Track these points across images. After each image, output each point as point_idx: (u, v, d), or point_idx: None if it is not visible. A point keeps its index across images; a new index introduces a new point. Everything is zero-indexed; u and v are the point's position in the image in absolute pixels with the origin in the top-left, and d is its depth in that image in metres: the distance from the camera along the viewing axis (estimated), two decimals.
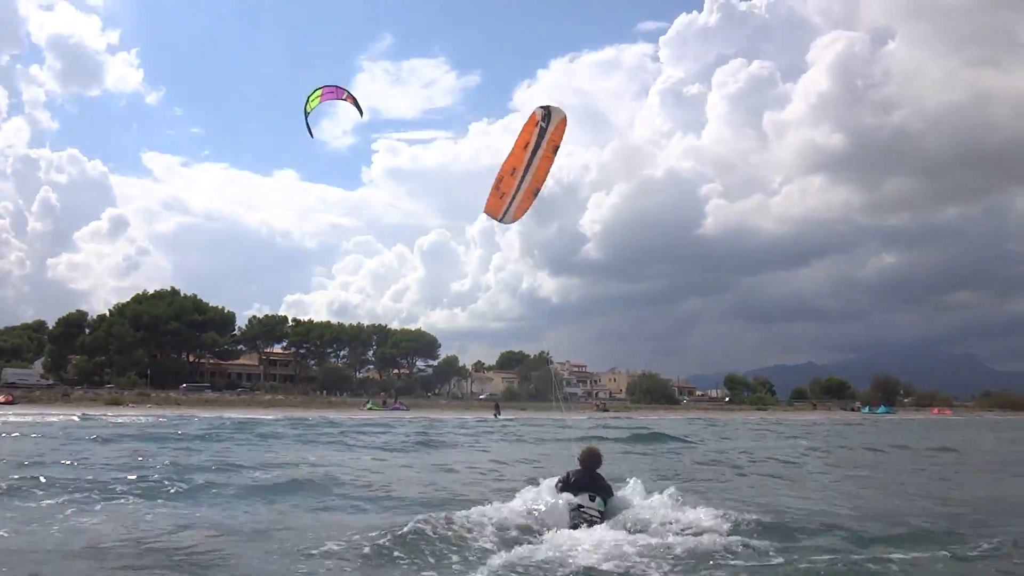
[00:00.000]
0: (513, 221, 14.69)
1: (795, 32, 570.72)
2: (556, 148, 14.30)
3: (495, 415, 71.09)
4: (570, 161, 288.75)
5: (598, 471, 11.29)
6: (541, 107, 14.67)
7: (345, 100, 19.02)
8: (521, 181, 14.23)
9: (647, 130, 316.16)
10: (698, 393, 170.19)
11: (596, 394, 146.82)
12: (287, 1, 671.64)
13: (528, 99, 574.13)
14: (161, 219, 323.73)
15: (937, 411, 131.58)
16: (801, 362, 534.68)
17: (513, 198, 14.35)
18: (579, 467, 11.30)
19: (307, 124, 18.48)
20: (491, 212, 14.66)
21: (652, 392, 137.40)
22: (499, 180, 14.50)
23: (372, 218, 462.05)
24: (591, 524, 10.38)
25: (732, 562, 8.90)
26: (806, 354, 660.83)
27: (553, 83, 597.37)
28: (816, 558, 9.10)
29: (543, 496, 11.24)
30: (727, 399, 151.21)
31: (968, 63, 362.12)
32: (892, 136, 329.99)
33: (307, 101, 18.22)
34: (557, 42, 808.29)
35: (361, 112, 19.31)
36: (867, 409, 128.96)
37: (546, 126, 14.29)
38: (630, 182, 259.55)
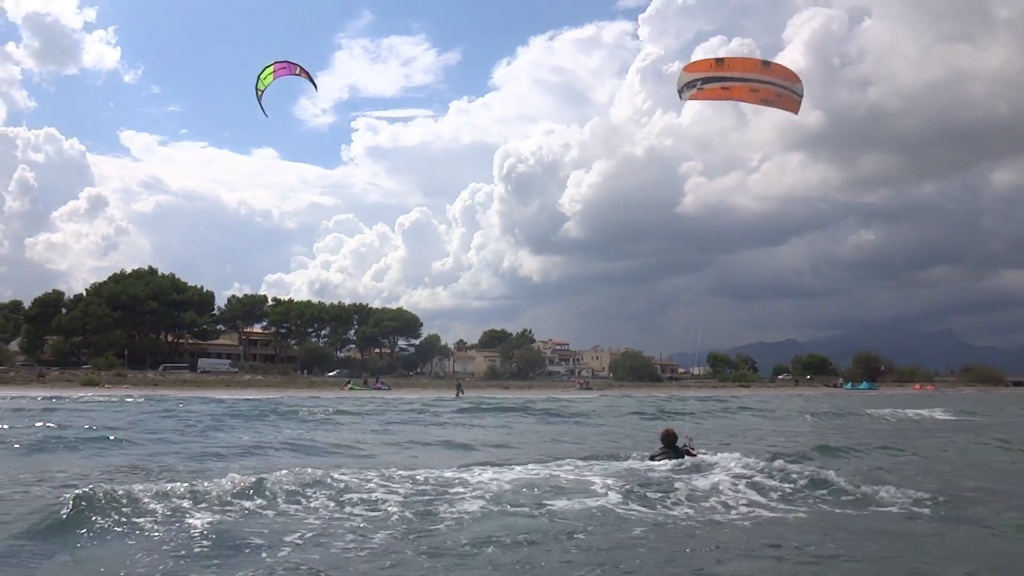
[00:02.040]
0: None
1: (774, 9, 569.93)
2: (718, 60, 14.30)
3: (457, 394, 70.64)
4: (550, 140, 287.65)
5: (676, 445, 15.18)
6: (682, 88, 14.71)
7: (299, 75, 18.39)
8: (751, 80, 14.23)
9: (627, 108, 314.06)
10: (680, 371, 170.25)
11: (579, 372, 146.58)
12: None
13: (508, 77, 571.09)
14: (140, 198, 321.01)
15: (919, 387, 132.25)
16: (781, 339, 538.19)
17: (771, 83, 14.32)
18: (661, 444, 15.23)
19: (259, 102, 17.84)
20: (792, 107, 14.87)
21: (635, 370, 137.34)
22: (758, 93, 14.50)
23: (353, 197, 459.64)
24: None
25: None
26: (786, 331, 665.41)
27: (533, 61, 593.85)
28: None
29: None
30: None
31: (943, 40, 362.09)
32: (868, 114, 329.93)
33: (258, 79, 17.53)
34: (536, 19, 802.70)
35: (316, 86, 18.76)
36: (850, 385, 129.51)
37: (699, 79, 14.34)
38: (610, 160, 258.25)
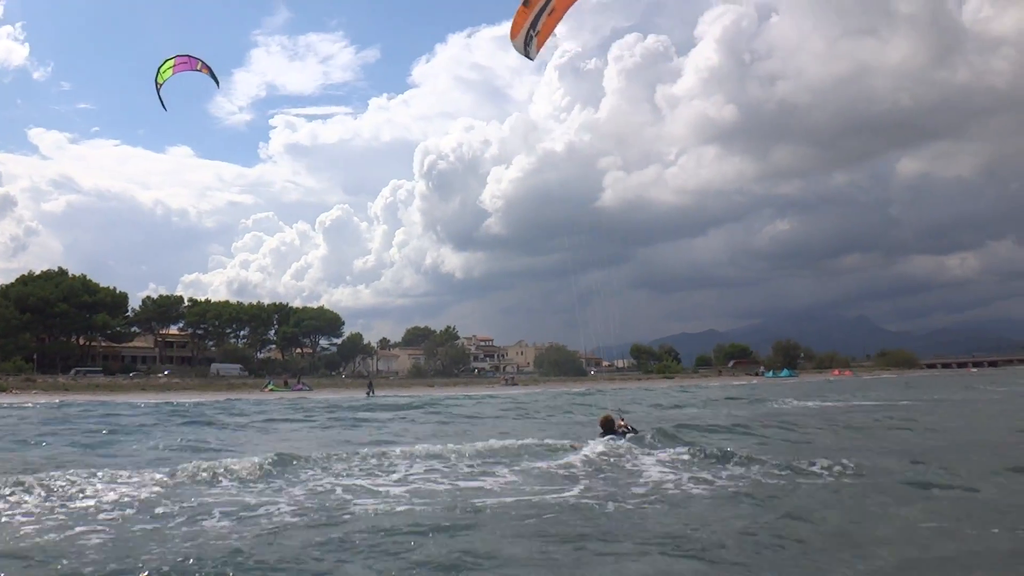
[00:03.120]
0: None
1: (686, 5, 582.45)
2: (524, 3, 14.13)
3: (368, 393, 69.89)
4: (470, 136, 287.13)
5: (615, 429, 16.71)
6: (525, 51, 14.37)
7: (200, 71, 17.82)
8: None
9: (546, 104, 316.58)
10: (605, 364, 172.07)
11: (504, 368, 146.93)
12: None
13: (427, 74, 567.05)
14: (50, 198, 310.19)
15: (838, 372, 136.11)
16: (703, 330, 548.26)
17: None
18: (601, 430, 16.73)
19: (159, 95, 17.23)
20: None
21: (560, 364, 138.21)
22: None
23: (272, 195, 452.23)
24: None
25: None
26: (707, 322, 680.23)
27: (452, 58, 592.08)
28: None
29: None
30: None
31: (848, 35, 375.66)
32: (779, 107, 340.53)
33: (158, 72, 16.93)
34: (455, 17, 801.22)
35: (217, 83, 18.15)
36: (771, 373, 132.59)
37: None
38: (530, 156, 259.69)
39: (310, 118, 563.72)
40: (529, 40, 14.18)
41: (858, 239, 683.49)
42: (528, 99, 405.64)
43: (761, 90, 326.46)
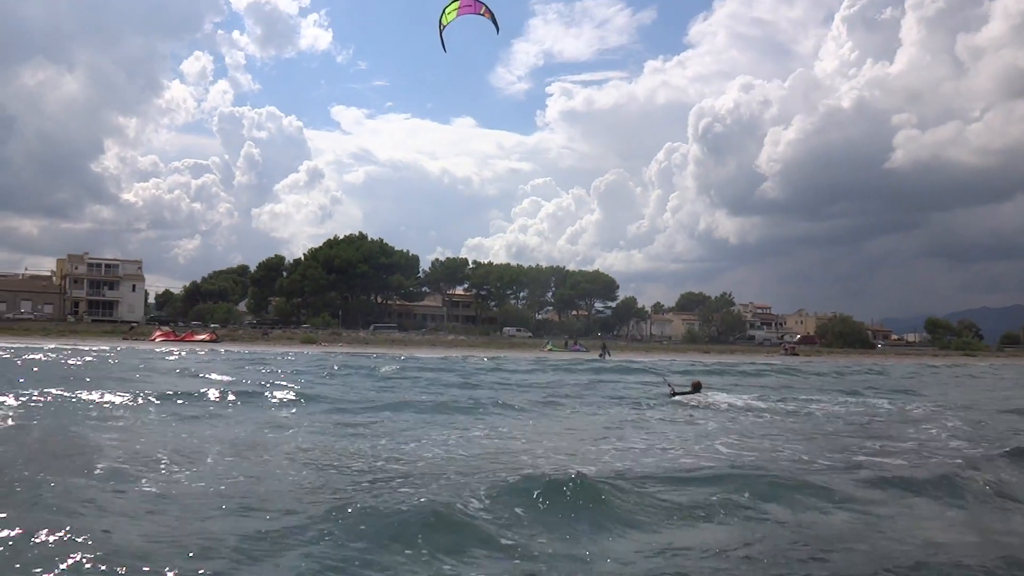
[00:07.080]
0: None
1: None
2: None
3: (602, 355, 70.42)
4: (748, 97, 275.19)
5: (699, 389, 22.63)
6: None
7: (483, 15, 18.58)
8: None
9: (832, 60, 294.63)
10: (894, 337, 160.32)
11: (782, 337, 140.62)
12: None
13: (704, 33, 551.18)
14: (351, 170, 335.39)
15: None
16: (1008, 304, 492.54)
17: None
18: (690, 388, 22.69)
19: (441, 38, 18.28)
20: None
21: (845, 336, 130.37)
22: None
23: (548, 162, 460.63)
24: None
25: None
26: (1014, 296, 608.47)
27: (731, 14, 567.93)
28: None
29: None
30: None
31: None
32: None
33: (443, 14, 17.94)
34: None
35: (497, 28, 18.87)
36: None
37: None
38: (811, 116, 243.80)
39: (585, 84, 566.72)
40: None
41: None
42: (813, 54, 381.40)
43: None
